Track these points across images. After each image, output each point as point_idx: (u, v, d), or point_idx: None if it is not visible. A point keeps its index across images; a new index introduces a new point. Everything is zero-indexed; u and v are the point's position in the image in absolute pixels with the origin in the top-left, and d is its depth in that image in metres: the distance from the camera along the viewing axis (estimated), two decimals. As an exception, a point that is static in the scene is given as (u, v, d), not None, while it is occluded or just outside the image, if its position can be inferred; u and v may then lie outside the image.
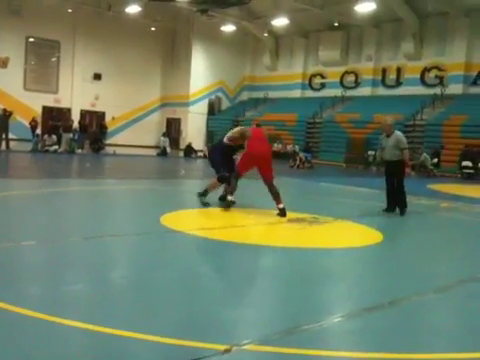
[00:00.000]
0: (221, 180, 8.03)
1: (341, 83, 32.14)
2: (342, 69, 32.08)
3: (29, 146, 21.36)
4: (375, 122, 25.23)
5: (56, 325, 2.89)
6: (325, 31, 32.09)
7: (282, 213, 7.58)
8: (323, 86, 33.35)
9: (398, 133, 8.74)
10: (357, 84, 31.60)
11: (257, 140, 8.01)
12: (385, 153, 8.74)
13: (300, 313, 3.43)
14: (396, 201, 8.71)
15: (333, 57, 32.10)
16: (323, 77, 33.39)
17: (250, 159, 7.90)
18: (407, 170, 8.80)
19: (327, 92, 32.46)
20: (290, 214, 7.62)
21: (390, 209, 8.73)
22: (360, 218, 7.93)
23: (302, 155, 22.86)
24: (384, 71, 30.44)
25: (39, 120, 27.82)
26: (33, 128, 26.34)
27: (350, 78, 31.94)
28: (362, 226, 7.32)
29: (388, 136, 8.69)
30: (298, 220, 7.28)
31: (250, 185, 9.04)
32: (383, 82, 30.54)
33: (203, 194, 8.05)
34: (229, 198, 7.85)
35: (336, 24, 30.96)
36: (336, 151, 26.95)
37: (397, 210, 8.67)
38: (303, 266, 4.86)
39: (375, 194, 11.63)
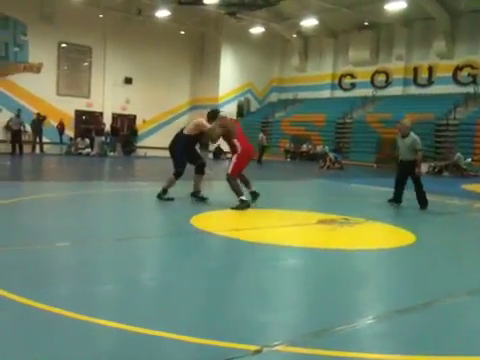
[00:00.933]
0: (177, 176, 8.17)
1: (372, 83, 31.80)
2: (372, 69, 31.74)
3: (62, 149, 21.81)
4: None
5: (90, 324, 2.94)
6: (354, 31, 31.81)
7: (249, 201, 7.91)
8: (353, 86, 33.06)
9: (413, 135, 8.93)
10: (388, 84, 31.21)
11: (242, 135, 8.22)
12: (400, 153, 9.02)
13: (331, 315, 3.40)
14: (419, 199, 8.99)
15: (363, 57, 31.79)
16: (353, 77, 33.10)
17: (247, 157, 8.11)
18: (417, 170, 8.97)
19: (357, 92, 32.17)
20: (320, 215, 7.57)
21: (394, 200, 9.20)
22: (392, 219, 7.82)
23: (332, 156, 22.69)
24: (415, 70, 29.99)
25: (67, 123, 28.54)
26: (60, 131, 27.01)
27: (381, 78, 31.57)
28: (394, 227, 7.22)
29: (404, 137, 8.91)
30: (328, 221, 7.22)
31: (277, 186, 9.02)
32: (415, 81, 30.08)
33: (163, 193, 8.19)
34: (242, 198, 7.89)
35: (366, 23, 30.66)
36: (366, 151, 26.67)
37: (414, 212, 8.53)
38: (334, 267, 4.81)
39: (407, 195, 11.45)
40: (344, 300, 3.77)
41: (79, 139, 22.71)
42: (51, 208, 7.72)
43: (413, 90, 30.02)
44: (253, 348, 2.70)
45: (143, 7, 29.63)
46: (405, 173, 9.04)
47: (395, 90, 30.53)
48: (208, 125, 8.29)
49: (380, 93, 31.06)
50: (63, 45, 30.71)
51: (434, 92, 28.30)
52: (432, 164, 24.02)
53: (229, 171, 8.09)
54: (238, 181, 8.12)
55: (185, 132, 8.40)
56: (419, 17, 28.51)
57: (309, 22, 30.11)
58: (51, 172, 15.27)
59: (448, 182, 17.37)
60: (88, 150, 21.88)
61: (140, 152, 25.07)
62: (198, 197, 8.36)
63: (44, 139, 22.21)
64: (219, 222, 7.35)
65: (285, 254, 5.32)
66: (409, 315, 3.47)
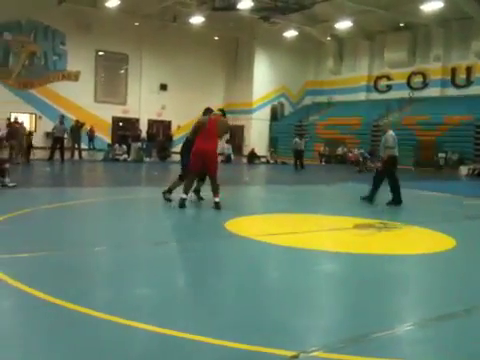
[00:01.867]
0: (182, 179, 8.31)
1: (408, 84, 31.26)
2: (409, 70, 31.22)
3: (93, 155, 22.25)
4: (445, 123, 24.38)
5: (128, 327, 2.98)
6: (390, 32, 31.38)
7: (217, 207, 7.84)
8: (389, 88, 32.57)
9: (388, 133, 9.45)
10: (425, 85, 30.63)
11: (204, 137, 7.93)
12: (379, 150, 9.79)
13: (369, 320, 3.35)
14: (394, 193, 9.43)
15: (399, 58, 31.30)
16: (389, 79, 32.62)
17: (198, 157, 7.95)
18: (376, 164, 9.55)
19: (394, 94, 31.68)
20: (357, 220, 7.48)
21: (393, 202, 9.41)
22: (430, 223, 7.65)
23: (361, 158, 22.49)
24: (453, 71, 29.34)
25: (105, 130, 29.28)
26: (90, 137, 27.63)
27: (417, 79, 31.01)
28: (433, 231, 7.06)
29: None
30: (366, 226, 7.12)
31: (312, 190, 8.96)
32: (453, 82, 29.43)
33: (168, 192, 8.40)
34: (183, 196, 7.90)
35: (402, 25, 30.20)
36: (404, 154, 26.16)
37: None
38: (372, 273, 4.75)
39: (446, 198, 11.20)
40: (382, 306, 3.71)
41: (116, 145, 23.13)
42: (90, 213, 7.88)
43: (451, 91, 29.37)
44: (290, 354, 2.69)
45: (178, 14, 30.00)
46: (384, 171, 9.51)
47: (433, 91, 29.93)
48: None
49: (417, 95, 30.51)
50: (100, 53, 31.38)
51: (473, 93, 27.59)
52: (471, 167, 23.44)
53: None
54: (192, 182, 8.19)
55: (188, 135, 8.52)
56: (456, 17, 27.91)
57: (344, 24, 29.86)
58: (90, 178, 15.60)
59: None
60: (125, 156, 22.24)
61: (175, 157, 25.32)
62: (166, 197, 8.45)
63: (83, 146, 22.70)
64: (254, 227, 7.35)
65: (321, 259, 5.28)
66: (449, 322, 3.39)
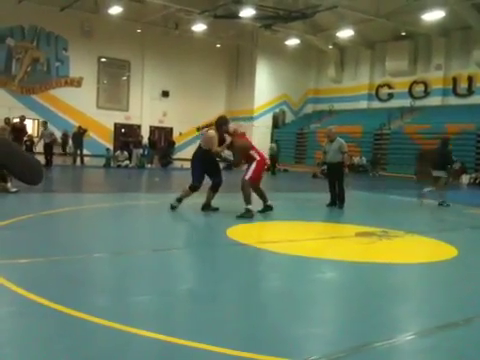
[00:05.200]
0: (192, 189, 8.27)
1: (410, 93, 31.31)
2: (410, 79, 31.27)
3: (102, 161, 22.28)
4: (447, 133, 24.35)
5: (129, 334, 2.97)
6: (391, 41, 31.47)
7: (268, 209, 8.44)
8: (391, 97, 32.62)
9: (340, 139, 10.24)
10: (426, 94, 30.67)
11: (257, 150, 8.52)
12: (328, 156, 10.24)
13: (370, 330, 3.34)
14: (337, 197, 10.08)
15: (401, 67, 31.37)
16: (390, 87, 32.68)
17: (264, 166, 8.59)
18: (346, 170, 10.29)
19: (395, 103, 31.71)
20: (358, 228, 7.47)
21: (332, 204, 10.12)
22: (432, 232, 7.64)
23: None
24: (455, 80, 29.39)
25: (107, 136, 29.37)
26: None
27: (419, 88, 31.06)
28: (435, 241, 7.05)
29: (332, 141, 10.19)
30: (367, 234, 7.12)
31: (313, 198, 8.95)
32: (454, 91, 29.47)
33: (178, 201, 8.30)
34: (250, 207, 7.98)
35: (403, 34, 30.30)
36: (405, 163, 26.21)
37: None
38: (372, 281, 4.74)
39: (448, 207, 11.19)
40: (383, 315, 3.70)
41: (118, 152, 23.19)
42: (90, 219, 7.88)
43: (453, 100, 29.41)
44: (290, 362, 2.68)
45: (180, 21, 30.12)
46: (334, 175, 10.14)
47: (434, 100, 29.98)
48: (215, 139, 8.25)
49: (418, 103, 30.54)
50: (103, 60, 31.49)
51: (474, 102, 27.62)
52: (473, 175, 23.44)
53: (247, 177, 8.18)
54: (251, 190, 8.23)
55: (201, 146, 8.43)
56: (457, 26, 28.00)
57: (345, 33, 29.95)
58: (91, 184, 15.61)
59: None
60: (127, 162, 22.29)
61: (177, 164, 25.37)
62: (209, 209, 8.41)
63: (85, 151, 22.72)
64: (255, 234, 7.35)
65: (323, 267, 5.27)
66: (450, 331, 3.38)
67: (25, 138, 18.28)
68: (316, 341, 3.14)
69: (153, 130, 33.01)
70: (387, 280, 4.83)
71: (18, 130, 16.36)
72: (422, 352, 3.06)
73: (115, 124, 32.00)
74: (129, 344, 2.89)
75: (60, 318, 3.19)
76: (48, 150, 18.99)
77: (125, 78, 32.64)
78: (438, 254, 6.28)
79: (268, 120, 35.40)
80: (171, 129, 33.93)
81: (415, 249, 6.70)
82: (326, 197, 10.32)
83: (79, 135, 22.20)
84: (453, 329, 3.41)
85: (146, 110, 32.87)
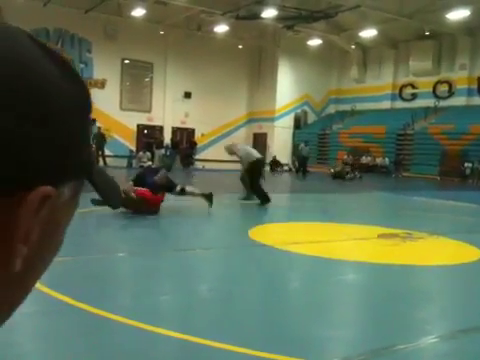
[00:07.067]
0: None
1: (434, 93, 30.90)
2: (434, 79, 30.85)
3: (124, 162, 22.54)
4: (471, 133, 24.01)
5: (150, 333, 3.00)
6: (415, 41, 31.08)
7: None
8: (414, 97, 32.23)
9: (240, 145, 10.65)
10: (451, 94, 30.22)
11: None
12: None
13: (392, 332, 3.32)
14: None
15: (424, 67, 30.97)
16: (414, 87, 32.30)
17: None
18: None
19: (419, 103, 31.31)
20: (382, 229, 7.40)
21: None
22: (457, 234, 7.53)
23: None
24: (480, 80, 28.93)
25: (130, 137, 29.67)
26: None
27: (443, 88, 30.62)
28: (459, 242, 6.95)
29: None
30: (390, 236, 7.05)
31: (336, 198, 8.91)
32: (479, 91, 28.99)
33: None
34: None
35: (427, 33, 29.91)
36: (429, 164, 25.88)
37: None
38: (395, 283, 4.69)
39: (472, 209, 11.02)
40: (406, 318, 3.67)
41: (141, 153, 23.39)
42: (113, 219, 7.96)
43: (477, 100, 28.92)
44: (311, 363, 2.68)
45: (203, 23, 30.25)
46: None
47: (458, 100, 29.51)
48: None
49: (443, 104, 30.11)
50: (126, 61, 31.78)
51: (500, 102, 27.17)
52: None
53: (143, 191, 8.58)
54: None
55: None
56: (483, 25, 27.56)
57: (368, 33, 29.70)
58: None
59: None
60: (149, 163, 22.46)
61: (198, 165, 25.48)
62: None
63: (107, 152, 23.01)
64: (277, 235, 7.34)
65: (345, 269, 5.24)
66: (474, 335, 3.33)
67: None
68: (337, 343, 3.13)
69: (175, 131, 33.20)
70: (410, 282, 4.78)
71: None
72: (445, 356, 3.02)
73: (138, 125, 32.28)
74: (151, 343, 2.92)
75: (83, 316, 3.24)
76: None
77: (148, 79, 32.89)
78: (462, 256, 6.19)
79: (290, 120, 35.31)
80: (193, 130, 34.07)
81: (439, 251, 6.61)
82: (350, 198, 10.24)
83: (100, 136, 22.46)
84: (477, 332, 3.36)
85: (168, 111, 33.07)
